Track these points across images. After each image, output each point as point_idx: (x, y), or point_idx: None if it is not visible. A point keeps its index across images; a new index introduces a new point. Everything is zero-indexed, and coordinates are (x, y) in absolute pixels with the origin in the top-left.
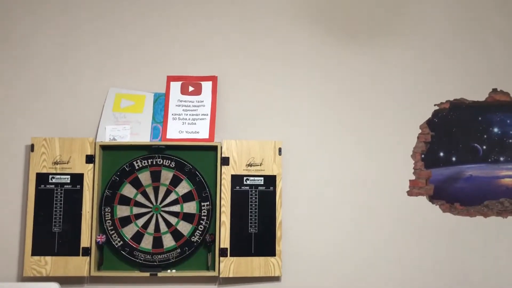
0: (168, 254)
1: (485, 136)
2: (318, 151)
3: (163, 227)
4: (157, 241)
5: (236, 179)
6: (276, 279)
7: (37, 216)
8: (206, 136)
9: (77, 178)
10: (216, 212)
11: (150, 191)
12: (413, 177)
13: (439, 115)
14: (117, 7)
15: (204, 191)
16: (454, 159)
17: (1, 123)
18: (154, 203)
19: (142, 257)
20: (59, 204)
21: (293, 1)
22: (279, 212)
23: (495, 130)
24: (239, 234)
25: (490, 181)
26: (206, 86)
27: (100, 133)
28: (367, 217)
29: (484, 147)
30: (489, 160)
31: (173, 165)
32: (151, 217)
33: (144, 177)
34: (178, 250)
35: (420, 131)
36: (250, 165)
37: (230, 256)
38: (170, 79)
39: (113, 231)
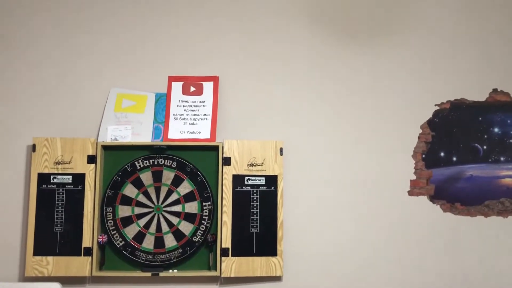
0: (169, 254)
1: (485, 136)
2: (319, 151)
3: (164, 227)
4: (159, 241)
5: (238, 179)
6: (278, 279)
7: (39, 216)
8: (208, 136)
9: (79, 178)
10: (218, 212)
11: (151, 191)
12: (414, 177)
13: (439, 115)
14: (118, 8)
15: (206, 191)
16: (454, 159)
17: (2, 123)
18: (156, 203)
19: (143, 257)
20: (60, 204)
21: (293, 1)
22: (280, 212)
23: (496, 130)
24: (241, 234)
25: (491, 181)
26: (208, 86)
27: (101, 133)
28: (368, 217)
29: (485, 147)
30: (490, 160)
31: (175, 165)
32: (153, 217)
33: (146, 177)
34: (180, 250)
35: (420, 131)
36: (251, 165)
37: (232, 256)
38: (172, 79)
39: (115, 231)
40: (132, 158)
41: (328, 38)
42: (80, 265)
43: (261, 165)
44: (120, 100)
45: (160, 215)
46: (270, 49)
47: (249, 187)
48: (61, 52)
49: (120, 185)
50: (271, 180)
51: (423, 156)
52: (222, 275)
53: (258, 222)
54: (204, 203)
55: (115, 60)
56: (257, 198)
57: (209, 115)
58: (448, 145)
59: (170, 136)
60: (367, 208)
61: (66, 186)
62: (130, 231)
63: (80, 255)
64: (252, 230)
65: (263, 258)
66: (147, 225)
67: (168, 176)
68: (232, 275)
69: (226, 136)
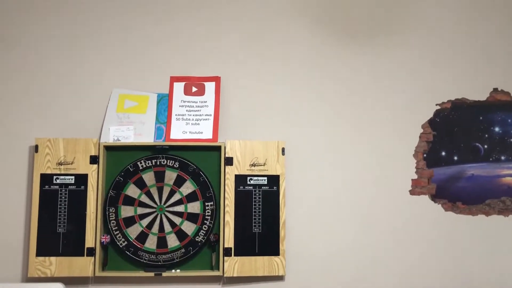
0: (172, 254)
1: (486, 135)
2: (321, 151)
3: (167, 227)
4: (162, 241)
5: (240, 179)
6: (280, 278)
7: (42, 217)
8: (210, 136)
9: (81, 179)
10: (220, 212)
11: (154, 191)
12: (415, 176)
13: (440, 115)
14: (120, 8)
15: (208, 191)
16: (455, 158)
17: (5, 124)
18: (158, 203)
19: (146, 257)
20: (63, 204)
21: (294, 1)
22: (283, 211)
23: (496, 129)
24: (243, 233)
25: (492, 180)
26: (209, 86)
27: (104, 133)
28: (370, 216)
29: (486, 146)
30: (491, 159)
31: (177, 165)
32: (155, 217)
33: (148, 178)
34: (183, 250)
35: (422, 130)
36: (253, 165)
37: (234, 255)
38: (174, 79)
39: (118, 232)
40: (134, 159)
41: (328, 38)
42: (83, 266)
43: (263, 165)
44: (122, 100)
45: (163, 215)
46: (271, 49)
47: (251, 187)
48: (63, 53)
49: (123, 185)
50: (273, 180)
51: (425, 155)
52: (225, 275)
53: (261, 221)
54: (206, 203)
55: (117, 60)
56: (259, 198)
57: (211, 115)
58: (449, 144)
59: (172, 136)
60: (369, 207)
61: (69, 186)
62: (133, 231)
63: (83, 256)
64: (255, 230)
65: (266, 258)
66: (150, 225)
67: (170, 176)
68: (235, 275)
69: (228, 136)
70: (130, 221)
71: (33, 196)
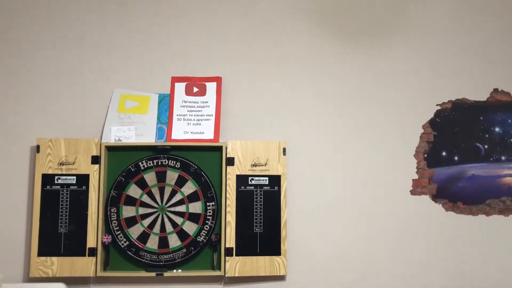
0: (174, 254)
1: (486, 135)
2: (322, 151)
3: (168, 227)
4: (163, 241)
5: (241, 179)
6: (281, 278)
7: (43, 217)
8: (211, 136)
9: (83, 179)
10: (222, 212)
11: (155, 192)
12: (416, 176)
13: (441, 115)
14: (122, 9)
15: (210, 191)
16: (456, 158)
17: (6, 124)
18: (160, 204)
19: (148, 257)
20: (65, 205)
21: (296, 2)
22: (284, 211)
23: (497, 129)
24: (244, 233)
25: (492, 180)
26: (211, 86)
27: (105, 134)
28: (371, 216)
29: (486, 146)
30: (491, 159)
31: (179, 166)
32: (157, 217)
33: (150, 178)
34: (184, 250)
35: (422, 130)
36: (255, 165)
37: (236, 255)
38: (175, 80)
39: (119, 232)
40: (136, 159)
41: (329, 38)
42: (85, 266)
43: (265, 165)
44: (124, 101)
45: (164, 215)
46: (272, 49)
47: (252, 187)
48: (65, 54)
49: (124, 185)
50: (275, 180)
51: (425, 155)
52: (226, 275)
53: (262, 221)
54: (208, 203)
55: (119, 61)
56: (260, 198)
57: (212, 115)
58: (449, 144)
59: (173, 136)
60: (370, 207)
61: (70, 186)
62: (134, 232)
63: (85, 256)
64: (256, 229)
65: (267, 258)
66: (151, 225)
67: (172, 176)
68: (236, 275)
69: (229, 136)
70: (131, 221)
71: (35, 196)
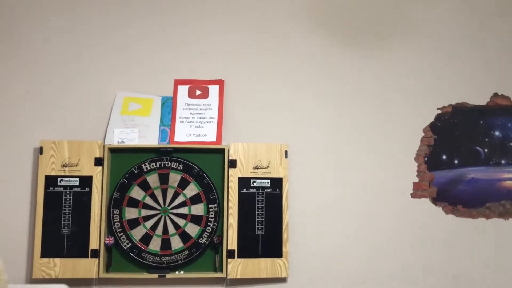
0: (176, 255)
1: (486, 139)
2: (324, 154)
3: (171, 229)
4: (165, 243)
5: (243, 182)
6: (283, 280)
7: (46, 218)
8: (214, 139)
9: (86, 181)
10: (224, 214)
11: (158, 193)
12: (416, 180)
13: (441, 119)
14: (125, 12)
15: (212, 193)
16: (456, 162)
17: (10, 126)
18: (162, 205)
19: (150, 258)
20: (68, 206)
21: (299, 5)
22: (286, 214)
23: (497, 133)
24: (246, 235)
25: (492, 184)
26: (213, 89)
27: (108, 136)
28: (371, 219)
29: (486, 150)
30: (491, 163)
31: (181, 168)
32: (159, 219)
33: (152, 180)
34: (186, 252)
35: (423, 134)
36: (257, 167)
37: (238, 257)
38: (178, 82)
39: (122, 233)
40: (139, 161)
41: (332, 42)
42: (87, 267)
43: (266, 167)
44: (127, 103)
45: (167, 217)
46: (274, 52)
47: (254, 190)
48: (68, 56)
49: (127, 187)
50: (276, 183)
51: (426, 159)
52: (228, 277)
53: (264, 224)
54: (210, 205)
55: (122, 63)
56: (262, 200)
57: (215, 118)
58: (450, 148)
59: (176, 139)
60: (370, 210)
61: (73, 188)
62: (137, 233)
63: (87, 257)
64: (258, 232)
65: (269, 260)
66: (154, 227)
67: (174, 178)
68: (238, 277)
69: (231, 139)
70: (134, 223)
71: (38, 198)
